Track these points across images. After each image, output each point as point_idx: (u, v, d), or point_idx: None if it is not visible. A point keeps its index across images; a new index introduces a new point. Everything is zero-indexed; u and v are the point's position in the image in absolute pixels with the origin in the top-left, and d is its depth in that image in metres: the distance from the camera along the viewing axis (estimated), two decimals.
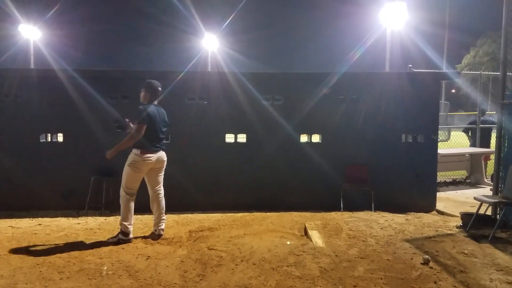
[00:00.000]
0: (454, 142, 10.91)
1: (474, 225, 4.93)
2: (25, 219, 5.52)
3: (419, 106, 6.23)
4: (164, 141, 4.70)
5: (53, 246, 4.33)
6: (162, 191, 4.74)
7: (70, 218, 5.57)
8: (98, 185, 5.89)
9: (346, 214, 5.71)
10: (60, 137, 6.38)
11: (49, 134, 6.25)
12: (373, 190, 5.99)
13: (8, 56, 27.26)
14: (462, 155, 8.69)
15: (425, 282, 3.41)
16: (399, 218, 5.58)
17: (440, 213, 6.10)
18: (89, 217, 5.63)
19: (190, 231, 4.87)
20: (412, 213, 5.93)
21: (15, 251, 4.15)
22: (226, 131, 6.30)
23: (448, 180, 8.81)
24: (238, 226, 5.13)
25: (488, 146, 9.40)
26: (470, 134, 10.11)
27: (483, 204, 4.95)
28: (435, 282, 3.41)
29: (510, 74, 5.40)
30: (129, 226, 4.46)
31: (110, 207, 5.85)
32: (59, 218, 5.58)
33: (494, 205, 5.12)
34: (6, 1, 28.72)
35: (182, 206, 5.90)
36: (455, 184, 8.59)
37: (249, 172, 6.19)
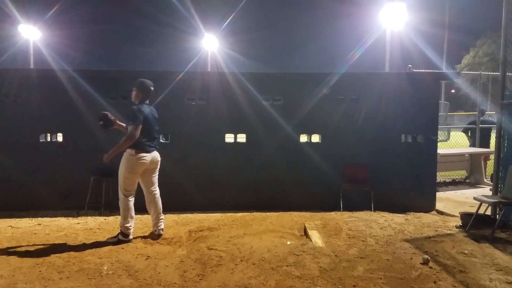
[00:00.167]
0: (454, 142, 10.91)
1: (473, 225, 4.93)
2: (24, 219, 5.52)
3: (419, 106, 6.24)
4: (157, 141, 4.69)
5: (52, 246, 4.33)
6: (157, 192, 4.72)
7: (70, 218, 5.57)
8: (97, 185, 5.89)
9: (346, 214, 5.71)
10: (59, 137, 6.38)
11: (49, 134, 6.25)
12: (373, 190, 6.00)
13: (8, 56, 27.27)
14: (461, 155, 8.70)
15: (425, 282, 3.41)
16: (398, 218, 5.58)
17: (440, 213, 6.10)
18: (89, 217, 5.63)
19: (189, 231, 4.87)
20: (412, 213, 5.93)
21: (15, 251, 4.16)
22: (226, 131, 6.30)
23: (447, 180, 8.82)
24: (237, 226, 5.13)
25: (487, 146, 9.41)
26: (469, 134, 10.11)
27: (483, 204, 4.95)
28: (434, 282, 3.41)
29: (510, 74, 5.41)
30: (130, 228, 4.46)
31: (109, 207, 5.85)
32: (59, 218, 5.59)
33: (494, 205, 5.12)
34: (6, 1, 28.72)
35: (182, 206, 5.91)
36: (454, 184, 8.60)
37: (249, 172, 6.19)
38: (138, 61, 45.99)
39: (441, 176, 8.70)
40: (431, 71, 8.34)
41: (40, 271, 3.60)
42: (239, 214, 5.73)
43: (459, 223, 5.19)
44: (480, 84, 9.98)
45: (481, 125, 9.23)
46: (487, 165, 8.76)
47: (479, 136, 9.14)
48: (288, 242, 4.42)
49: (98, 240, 4.51)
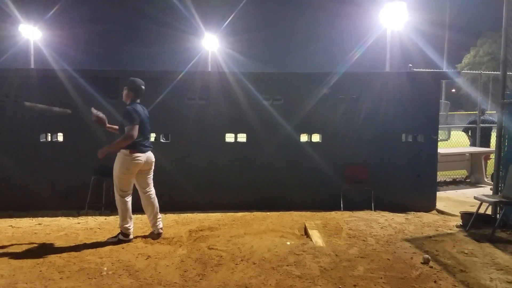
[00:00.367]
0: (454, 142, 10.91)
1: (474, 224, 4.92)
2: (25, 218, 5.52)
3: (419, 106, 6.24)
4: (150, 140, 4.67)
5: (53, 245, 4.33)
6: (153, 192, 4.70)
7: (70, 218, 5.57)
8: (98, 185, 5.89)
9: (346, 214, 5.71)
10: (60, 137, 6.39)
11: (49, 134, 6.25)
12: (373, 190, 5.99)
13: (9, 56, 27.30)
14: (462, 154, 8.70)
15: (425, 282, 3.41)
16: (399, 217, 5.58)
17: (440, 212, 6.10)
18: (89, 217, 5.63)
19: (190, 231, 4.87)
20: (412, 212, 5.93)
21: (15, 250, 4.16)
22: (226, 130, 6.30)
23: (448, 180, 8.81)
24: (238, 225, 5.13)
25: (488, 146, 9.41)
26: (470, 133, 10.11)
27: (483, 203, 4.95)
28: (435, 282, 3.41)
29: (510, 73, 5.40)
30: (129, 228, 4.46)
31: (110, 207, 5.84)
32: (59, 217, 5.59)
33: (494, 205, 5.12)
34: (7, 1, 28.74)
35: (182, 205, 5.91)
36: (455, 183, 8.60)
37: (250, 172, 6.19)
38: (139, 61, 46.05)
39: (442, 175, 8.70)
40: (432, 70, 8.33)
41: (40, 271, 3.61)
42: (240, 214, 5.73)
43: (460, 222, 5.18)
44: (481, 84, 9.97)
45: (481, 125, 9.23)
46: (488, 165, 8.76)
47: (479, 136, 9.13)
48: (289, 242, 4.42)
49: (99, 240, 4.51)
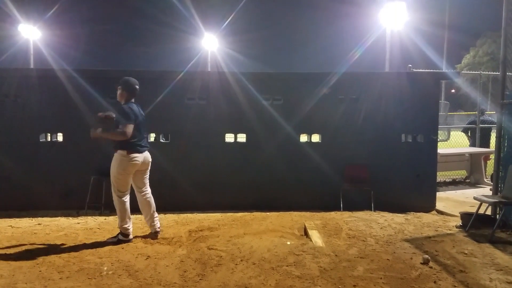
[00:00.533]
0: (454, 142, 10.91)
1: (473, 225, 4.93)
2: (24, 218, 5.52)
3: (419, 106, 6.24)
4: (147, 140, 4.64)
5: (52, 245, 4.33)
6: (149, 191, 4.69)
7: (70, 218, 5.57)
8: (98, 185, 5.89)
9: (346, 214, 5.71)
10: (59, 137, 6.38)
11: (49, 134, 6.25)
12: (373, 190, 5.99)
13: (8, 56, 27.27)
14: (461, 155, 8.70)
15: (425, 282, 3.41)
16: (398, 218, 5.58)
17: (440, 213, 6.10)
18: (89, 217, 5.63)
19: (189, 231, 4.87)
20: (412, 213, 5.93)
21: (15, 250, 4.16)
22: (226, 131, 6.30)
23: (448, 180, 8.82)
24: (237, 225, 5.13)
25: (487, 146, 9.41)
26: (469, 134, 10.11)
27: (483, 204, 4.95)
28: (434, 282, 3.41)
29: (510, 74, 5.40)
30: (129, 228, 4.46)
31: (110, 207, 5.83)
32: (59, 217, 5.59)
33: (494, 205, 5.13)
34: (6, 1, 28.71)
35: (182, 205, 5.91)
36: (454, 184, 8.60)
37: (249, 172, 6.19)
38: (138, 60, 46.00)
39: (441, 175, 8.70)
40: (431, 70, 8.33)
41: (40, 271, 3.60)
42: (239, 214, 5.73)
43: (459, 223, 5.18)
44: (480, 84, 9.98)
45: (481, 125, 9.23)
46: (487, 165, 8.76)
47: (479, 136, 9.13)
48: (288, 242, 4.42)
49: (98, 240, 4.51)
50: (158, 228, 4.66)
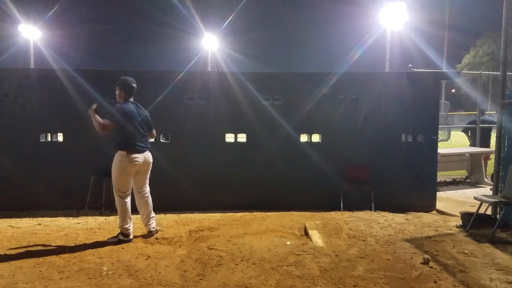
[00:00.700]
0: (454, 142, 10.91)
1: (474, 224, 4.93)
2: (25, 218, 5.52)
3: (419, 106, 6.24)
4: (146, 140, 4.61)
5: (53, 245, 4.33)
6: (147, 191, 4.69)
7: (70, 218, 5.57)
8: (98, 185, 5.89)
9: (346, 214, 5.71)
10: (60, 137, 6.38)
11: (49, 134, 6.25)
12: (373, 190, 5.99)
13: (8, 56, 27.27)
14: (462, 154, 8.69)
15: (425, 282, 3.41)
16: (399, 217, 5.58)
17: (440, 212, 6.10)
18: (89, 217, 5.63)
19: (190, 231, 4.87)
20: (412, 212, 5.93)
21: (15, 250, 4.15)
22: (226, 131, 6.30)
23: (448, 180, 8.81)
24: (238, 225, 5.13)
25: (488, 146, 9.41)
26: (469, 134, 10.11)
27: (483, 203, 4.95)
28: (435, 282, 3.41)
29: (510, 74, 5.40)
30: (129, 228, 4.47)
31: (110, 207, 5.83)
32: (59, 217, 5.59)
33: (494, 205, 5.12)
34: (6, 1, 28.72)
35: (182, 205, 5.91)
36: (455, 183, 8.60)
37: (249, 172, 6.19)
38: (138, 61, 46.01)
39: (442, 175, 8.70)
40: (432, 70, 8.33)
41: (40, 271, 3.61)
42: (239, 214, 5.73)
43: (460, 222, 5.18)
44: (481, 84, 9.97)
45: (481, 125, 9.23)
46: (488, 165, 8.76)
47: (479, 136, 9.13)
48: (288, 242, 4.41)
49: (99, 240, 4.51)
50: (153, 228, 4.67)
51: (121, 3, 53.20)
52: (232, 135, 6.41)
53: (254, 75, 6.30)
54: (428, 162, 6.28)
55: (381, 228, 5.02)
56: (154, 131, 4.80)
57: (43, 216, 5.63)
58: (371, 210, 5.94)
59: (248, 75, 6.23)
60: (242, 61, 39.81)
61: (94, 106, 4.41)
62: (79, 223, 5.29)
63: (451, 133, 11.50)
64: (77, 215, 5.75)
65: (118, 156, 4.39)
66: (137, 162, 4.39)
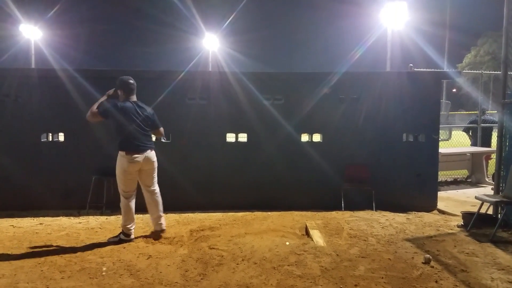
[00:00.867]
0: (455, 142, 10.90)
1: (475, 224, 4.92)
2: (26, 218, 5.53)
3: (420, 106, 6.23)
4: (147, 139, 4.55)
5: (54, 245, 4.33)
6: (156, 190, 4.68)
7: (71, 218, 5.58)
8: (99, 185, 5.90)
9: (347, 214, 5.71)
10: (61, 137, 6.39)
11: (50, 134, 6.26)
12: (374, 190, 5.99)
13: (9, 56, 27.29)
14: (463, 154, 8.69)
15: (426, 282, 3.41)
16: (400, 217, 5.58)
17: (441, 212, 6.10)
18: (90, 217, 5.63)
19: (191, 231, 4.87)
20: (413, 212, 5.93)
21: (17, 250, 4.16)
22: (227, 130, 6.30)
23: (449, 180, 8.80)
24: (239, 225, 5.13)
25: (489, 146, 9.39)
26: (470, 133, 10.09)
27: (484, 203, 4.95)
28: (436, 282, 3.41)
29: (511, 73, 5.40)
30: (131, 228, 4.47)
31: (111, 207, 5.85)
32: (60, 217, 5.59)
33: (495, 205, 5.12)
34: (7, 1, 28.74)
35: (183, 205, 5.91)
36: (456, 183, 8.59)
37: (250, 172, 6.19)
38: (139, 61, 46.00)
39: (443, 175, 8.69)
40: (432, 70, 8.33)
41: (41, 271, 3.61)
42: (240, 214, 5.74)
43: (461, 222, 5.18)
44: (482, 83, 9.96)
45: (482, 124, 9.21)
46: (489, 164, 8.75)
47: (480, 135, 9.12)
48: (289, 242, 4.41)
49: (100, 239, 4.52)
50: (164, 227, 4.63)
51: (121, 3, 53.25)
52: (233, 135, 6.40)
53: (255, 75, 6.30)
54: (429, 161, 6.28)
55: (382, 227, 5.02)
56: (161, 130, 4.76)
57: (44, 216, 5.64)
58: (372, 210, 5.93)
59: (249, 75, 6.22)
60: (243, 61, 39.84)
61: (111, 91, 4.49)
62: (80, 223, 5.29)
63: (452, 132, 11.49)
64: (78, 214, 5.75)
65: (119, 156, 4.41)
66: (136, 162, 4.39)
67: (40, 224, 5.23)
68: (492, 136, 9.52)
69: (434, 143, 6.33)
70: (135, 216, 4.61)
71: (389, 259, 3.92)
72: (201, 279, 3.47)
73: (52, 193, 5.99)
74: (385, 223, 5.24)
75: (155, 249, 4.21)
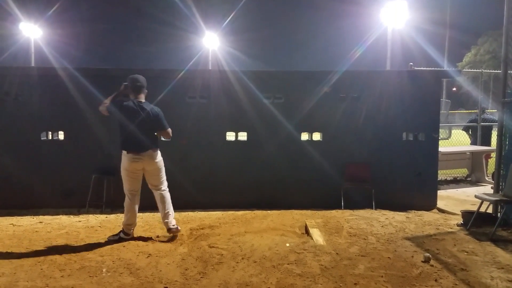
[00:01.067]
0: (455, 140, 10.89)
1: (475, 223, 4.93)
2: (26, 217, 5.53)
3: (420, 104, 6.23)
4: (152, 139, 4.50)
5: (54, 244, 4.34)
6: (164, 189, 4.65)
7: (71, 216, 5.58)
8: (99, 183, 5.90)
9: (347, 212, 5.71)
10: (61, 135, 6.39)
11: (50, 132, 6.26)
12: (374, 188, 5.99)
13: (9, 55, 27.29)
14: (463, 153, 8.68)
15: (426, 280, 3.41)
16: (400, 216, 5.58)
17: (441, 211, 6.10)
18: (90, 215, 5.64)
19: (191, 229, 4.87)
20: (413, 211, 5.93)
21: (16, 249, 4.16)
22: (227, 129, 6.29)
23: (449, 178, 8.81)
24: (238, 224, 5.13)
25: (488, 144, 9.39)
26: (470, 132, 10.09)
27: (484, 202, 4.95)
28: (435, 280, 3.41)
29: (511, 72, 5.39)
30: (131, 227, 4.47)
31: (111, 205, 5.85)
32: (60, 216, 5.59)
33: (495, 203, 5.12)
34: None
35: (183, 204, 5.89)
36: (456, 182, 8.59)
37: (250, 170, 6.19)
38: (139, 59, 46.00)
39: (442, 174, 8.69)
40: (432, 69, 8.31)
41: (41, 269, 3.61)
42: (240, 212, 5.74)
43: (461, 221, 5.18)
44: (482, 82, 9.96)
45: (482, 123, 9.21)
46: (489, 163, 8.75)
47: (480, 134, 9.12)
48: (289, 241, 4.42)
49: (100, 238, 4.52)
50: (173, 225, 4.57)
51: (122, 2, 53.24)
52: (233, 134, 6.40)
53: (255, 74, 6.29)
54: (429, 160, 6.28)
55: (382, 226, 5.02)
56: (168, 131, 4.66)
57: (44, 215, 5.64)
58: (372, 209, 5.94)
59: (249, 73, 6.22)
60: (243, 60, 39.83)
61: (122, 86, 4.54)
62: (80, 221, 5.29)
63: (452, 131, 11.47)
64: (78, 213, 5.75)
65: (122, 155, 4.44)
66: (137, 161, 4.39)
67: (40, 222, 5.23)
68: (492, 135, 9.52)
69: (434, 142, 6.33)
70: (138, 214, 4.60)
71: (388, 257, 3.92)
72: (201, 277, 3.47)
73: (52, 192, 5.99)
74: (385, 221, 5.24)
75: (155, 248, 4.22)
